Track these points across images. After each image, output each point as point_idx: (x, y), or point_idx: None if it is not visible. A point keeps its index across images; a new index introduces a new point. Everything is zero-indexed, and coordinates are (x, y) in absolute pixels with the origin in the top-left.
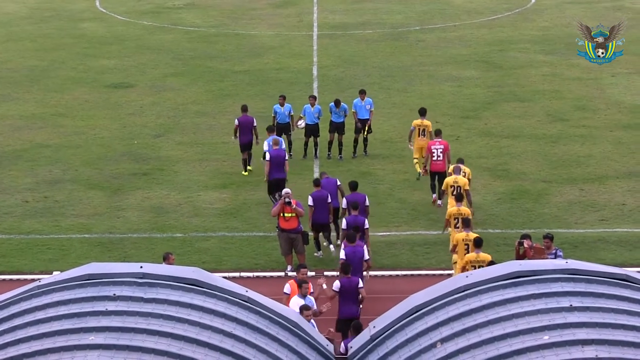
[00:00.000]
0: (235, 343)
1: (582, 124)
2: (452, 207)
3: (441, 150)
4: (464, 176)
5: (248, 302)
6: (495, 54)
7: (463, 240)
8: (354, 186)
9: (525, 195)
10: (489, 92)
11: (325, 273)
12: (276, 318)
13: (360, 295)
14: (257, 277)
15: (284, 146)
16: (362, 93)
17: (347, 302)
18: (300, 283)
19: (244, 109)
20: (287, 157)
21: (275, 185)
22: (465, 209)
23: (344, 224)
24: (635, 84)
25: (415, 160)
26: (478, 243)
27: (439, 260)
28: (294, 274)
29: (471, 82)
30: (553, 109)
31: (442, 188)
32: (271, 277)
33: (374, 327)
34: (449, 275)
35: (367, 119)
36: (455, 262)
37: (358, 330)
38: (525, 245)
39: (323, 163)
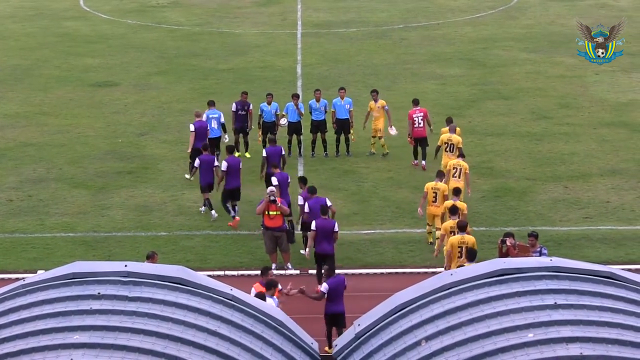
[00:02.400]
0: (220, 341)
1: (566, 122)
2: (449, 160)
3: (421, 117)
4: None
5: (232, 301)
6: (479, 52)
7: (432, 188)
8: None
9: (510, 193)
10: (472, 90)
11: (310, 271)
12: (261, 316)
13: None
14: (242, 275)
15: (222, 120)
16: (342, 90)
17: (323, 241)
18: (269, 285)
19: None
20: (208, 128)
21: (196, 153)
22: (463, 162)
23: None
24: (619, 82)
25: (373, 141)
26: (457, 192)
27: (423, 258)
28: (279, 272)
29: (455, 80)
30: (537, 107)
31: (438, 144)
32: (256, 275)
33: (359, 325)
34: (434, 273)
35: (347, 119)
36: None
37: (331, 273)
38: (508, 243)
39: (307, 161)
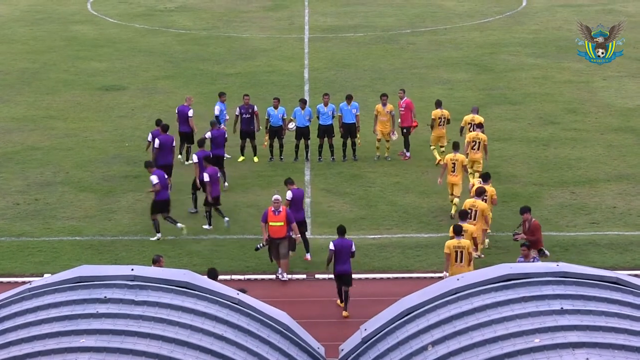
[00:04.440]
0: (226, 346)
1: (573, 127)
2: (470, 134)
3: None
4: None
5: (239, 305)
6: (486, 57)
7: (451, 159)
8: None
9: (517, 198)
10: (480, 95)
11: (317, 276)
12: (267, 321)
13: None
14: (248, 279)
15: (217, 113)
16: (349, 99)
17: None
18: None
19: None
20: (191, 115)
21: (184, 136)
22: (481, 135)
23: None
24: (626, 87)
25: (378, 144)
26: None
27: (430, 262)
28: (287, 277)
29: (462, 85)
30: (544, 112)
31: (461, 125)
32: (262, 279)
33: (365, 329)
34: (440, 277)
35: (353, 123)
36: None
37: (343, 232)
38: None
39: (314, 166)
